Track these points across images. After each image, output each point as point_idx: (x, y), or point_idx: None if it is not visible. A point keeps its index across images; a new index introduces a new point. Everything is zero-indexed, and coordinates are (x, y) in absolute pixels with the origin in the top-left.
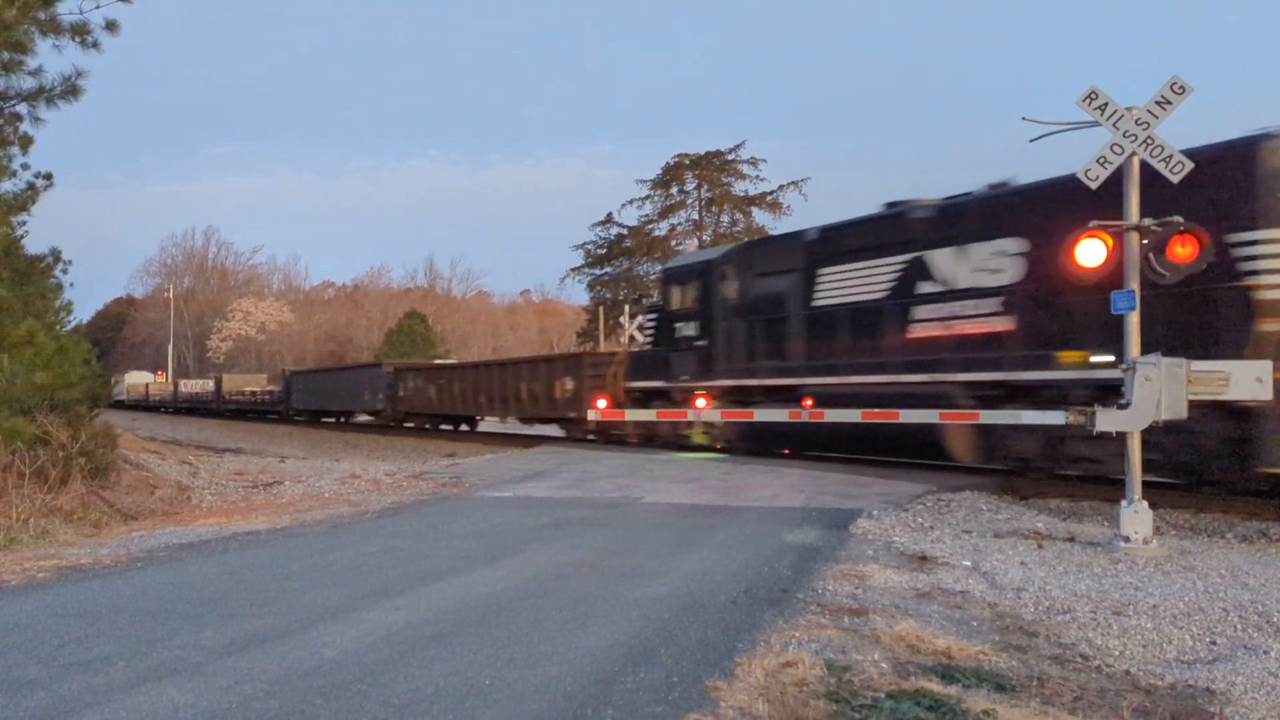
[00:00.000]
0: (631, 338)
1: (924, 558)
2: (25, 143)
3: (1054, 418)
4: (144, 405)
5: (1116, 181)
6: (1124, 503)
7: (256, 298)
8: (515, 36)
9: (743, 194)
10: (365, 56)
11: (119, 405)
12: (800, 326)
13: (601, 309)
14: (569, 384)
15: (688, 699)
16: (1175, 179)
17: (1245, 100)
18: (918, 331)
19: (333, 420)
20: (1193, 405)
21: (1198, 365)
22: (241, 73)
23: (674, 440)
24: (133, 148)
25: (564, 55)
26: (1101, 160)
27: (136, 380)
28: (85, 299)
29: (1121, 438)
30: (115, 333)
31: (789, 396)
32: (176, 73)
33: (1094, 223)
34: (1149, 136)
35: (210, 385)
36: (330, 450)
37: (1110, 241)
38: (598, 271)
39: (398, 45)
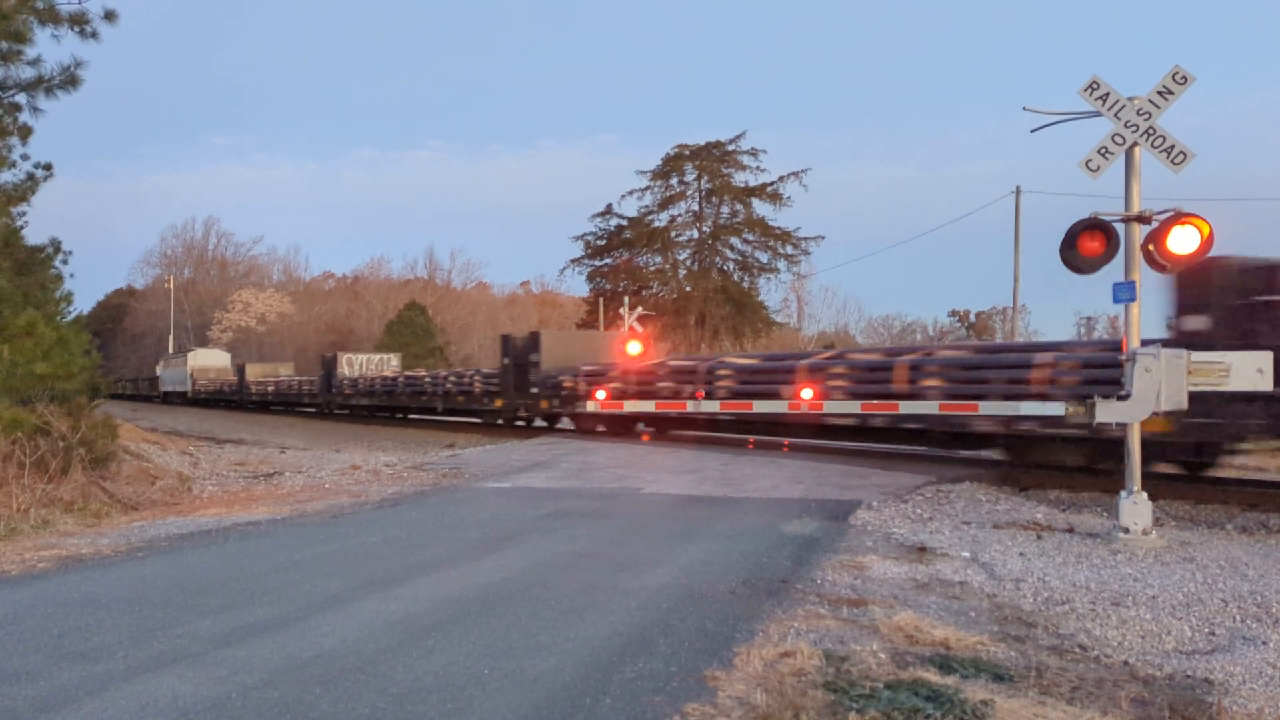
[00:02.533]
0: (632, 329)
1: (923, 549)
2: (25, 133)
3: (1053, 409)
4: (234, 400)
5: None
6: (1123, 494)
7: (257, 289)
8: (517, 27)
9: (743, 185)
10: (368, 46)
11: (166, 399)
12: None
13: (601, 300)
14: None
15: (686, 689)
16: (1177, 170)
17: (1249, 93)
18: None
19: (345, 412)
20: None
21: (1198, 356)
22: (243, 62)
23: None
24: (134, 138)
25: (566, 46)
26: (1103, 150)
27: (209, 362)
28: (86, 290)
29: None
30: (116, 324)
31: None
32: (177, 62)
33: (1094, 211)
34: (1150, 127)
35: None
36: (331, 441)
37: (1110, 232)
38: (597, 263)
39: (400, 35)
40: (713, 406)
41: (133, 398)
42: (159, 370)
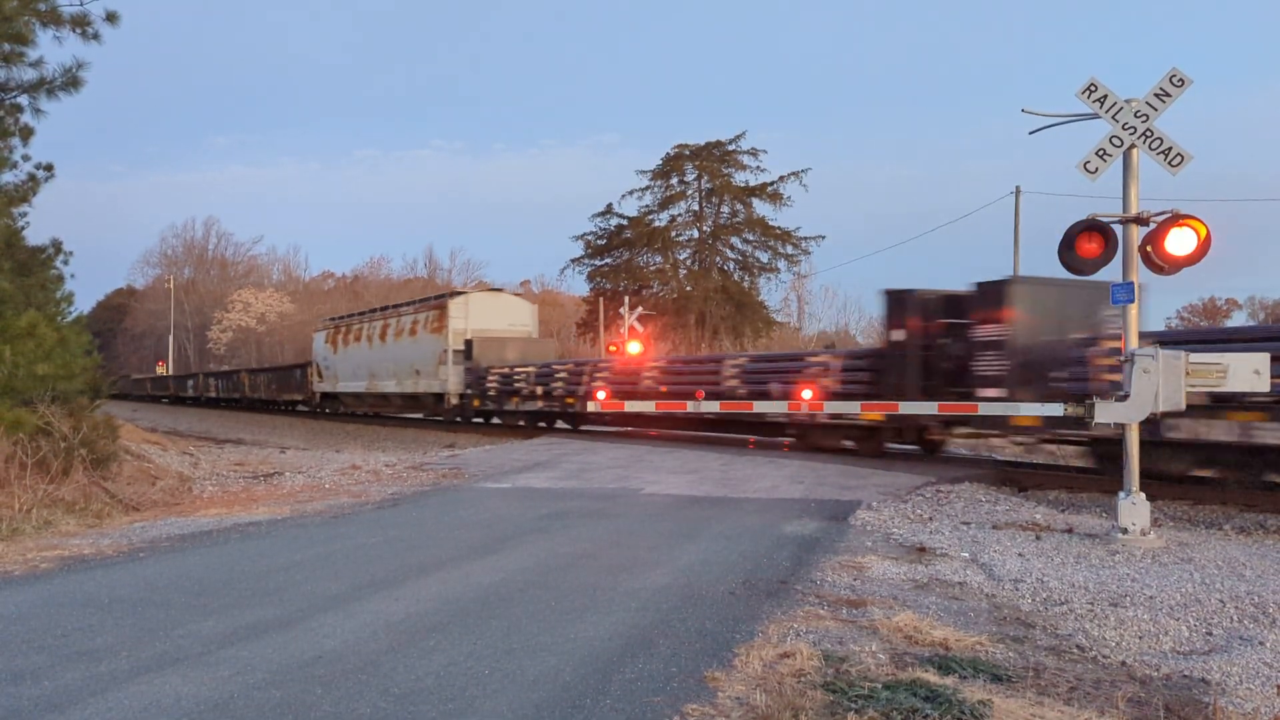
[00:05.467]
0: (631, 328)
1: (922, 549)
2: (26, 134)
3: (1052, 409)
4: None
5: None
6: (1122, 494)
7: (256, 288)
8: (520, 26)
9: (743, 185)
10: (370, 45)
11: (320, 408)
12: None
13: (601, 300)
14: None
15: (686, 689)
16: (1174, 172)
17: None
18: None
19: (339, 411)
20: None
21: (1196, 357)
22: (246, 62)
23: None
24: (136, 138)
25: (569, 44)
26: (1101, 152)
27: (499, 322)
28: (87, 290)
29: None
30: (116, 324)
31: None
32: (181, 62)
33: (1093, 212)
34: (1148, 129)
35: None
36: (330, 441)
37: (1108, 234)
38: (597, 262)
39: (403, 34)
40: (713, 406)
41: (139, 398)
42: (320, 354)
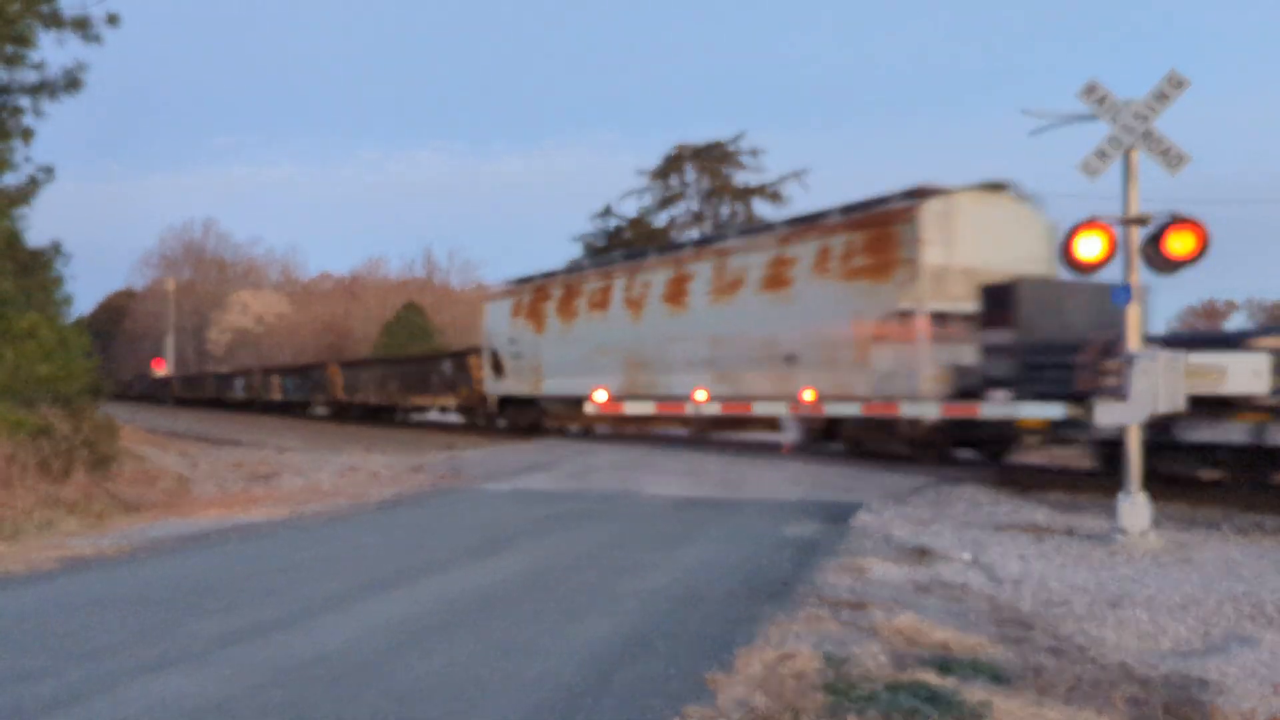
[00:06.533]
0: None
1: (923, 551)
2: (27, 135)
3: (1053, 410)
4: None
5: None
6: (1122, 495)
7: (255, 289)
8: (520, 26)
9: (743, 185)
10: (371, 45)
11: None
12: None
13: None
14: None
15: (686, 691)
16: (1173, 172)
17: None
18: None
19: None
20: None
21: (1195, 358)
22: (248, 63)
23: None
24: (137, 139)
25: (570, 44)
26: (1100, 153)
27: (974, 256)
28: (88, 291)
29: None
30: (116, 325)
31: None
32: (182, 63)
33: (1094, 213)
34: (1147, 130)
35: None
36: (329, 442)
37: (1108, 235)
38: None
39: (404, 34)
40: (714, 408)
41: (160, 401)
42: (500, 336)
